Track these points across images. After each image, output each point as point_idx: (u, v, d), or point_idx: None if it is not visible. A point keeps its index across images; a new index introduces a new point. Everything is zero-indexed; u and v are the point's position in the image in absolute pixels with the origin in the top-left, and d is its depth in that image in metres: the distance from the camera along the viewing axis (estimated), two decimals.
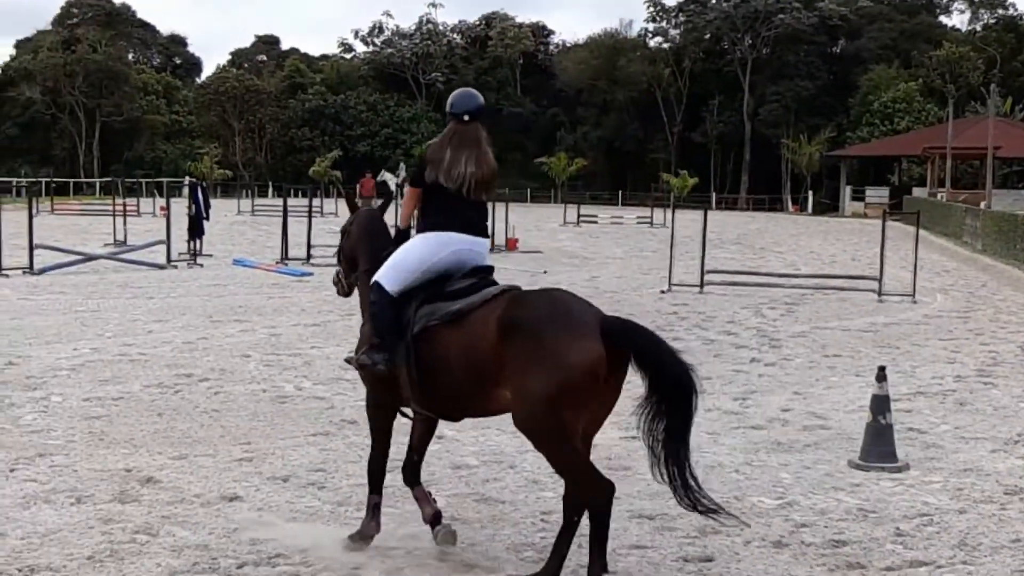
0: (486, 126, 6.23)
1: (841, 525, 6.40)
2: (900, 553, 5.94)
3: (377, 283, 5.78)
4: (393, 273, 5.80)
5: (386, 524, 6.18)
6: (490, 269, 5.95)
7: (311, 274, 21.14)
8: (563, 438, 5.16)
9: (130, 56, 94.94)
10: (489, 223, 6.13)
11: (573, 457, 5.24)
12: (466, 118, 6.17)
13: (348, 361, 6.13)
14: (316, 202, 41.14)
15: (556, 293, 5.50)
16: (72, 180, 73.02)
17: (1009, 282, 23.52)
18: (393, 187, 55.04)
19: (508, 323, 5.23)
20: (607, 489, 5.27)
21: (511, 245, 29.52)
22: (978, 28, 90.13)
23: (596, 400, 5.24)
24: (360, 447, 7.95)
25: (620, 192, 78.81)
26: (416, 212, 6.19)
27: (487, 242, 6.07)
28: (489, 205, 6.23)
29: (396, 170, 55.00)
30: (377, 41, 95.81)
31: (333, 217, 46.33)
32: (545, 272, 23.09)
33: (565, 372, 5.03)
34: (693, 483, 5.31)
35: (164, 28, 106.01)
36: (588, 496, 5.25)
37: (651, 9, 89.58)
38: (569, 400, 5.07)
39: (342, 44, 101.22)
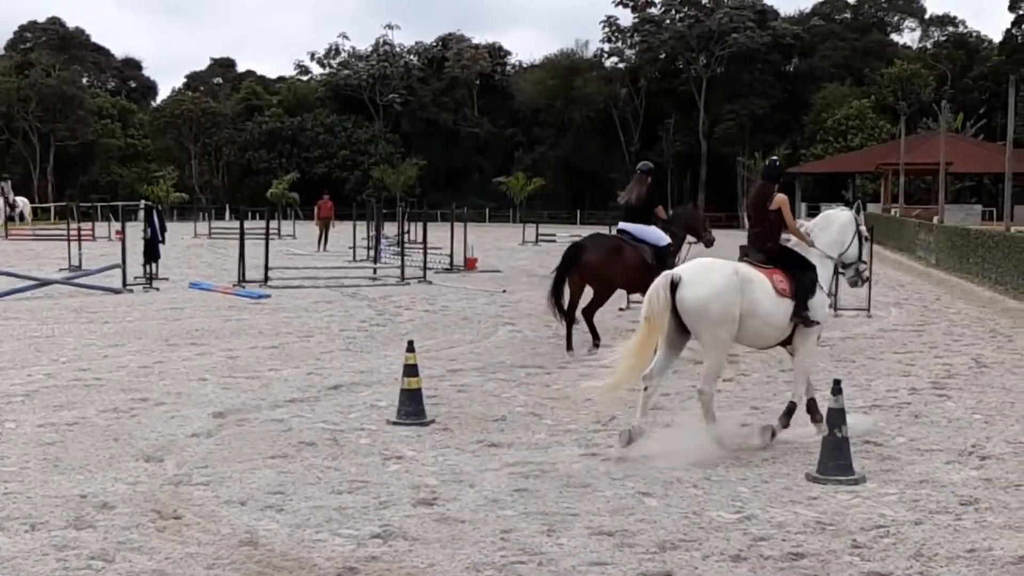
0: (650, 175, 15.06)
1: (799, 538, 6.44)
2: (857, 565, 5.98)
3: None
4: None
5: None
6: (627, 233, 14.60)
7: (268, 296, 21.03)
8: None
9: (84, 80, 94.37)
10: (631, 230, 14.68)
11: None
12: (638, 173, 15.07)
13: None
14: (273, 224, 41.03)
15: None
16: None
17: (962, 295, 23.81)
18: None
19: None
20: None
21: (470, 265, 29.54)
22: (929, 46, 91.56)
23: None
24: (318, 469, 7.91)
25: (578, 211, 79.17)
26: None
27: (636, 225, 14.60)
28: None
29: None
30: (334, 63, 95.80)
31: (291, 239, 46.18)
32: (505, 291, 23.12)
33: None
34: None
35: (119, 52, 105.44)
36: None
37: (606, 29, 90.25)
38: None
39: (298, 66, 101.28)
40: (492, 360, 13.43)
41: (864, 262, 9.84)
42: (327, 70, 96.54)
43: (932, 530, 6.62)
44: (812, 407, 9.07)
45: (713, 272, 8.64)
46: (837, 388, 7.73)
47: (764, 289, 8.73)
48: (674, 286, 8.51)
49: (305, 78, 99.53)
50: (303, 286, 23.58)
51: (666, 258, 14.40)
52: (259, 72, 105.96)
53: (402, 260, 26.18)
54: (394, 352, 13.18)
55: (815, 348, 9.26)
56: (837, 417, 7.68)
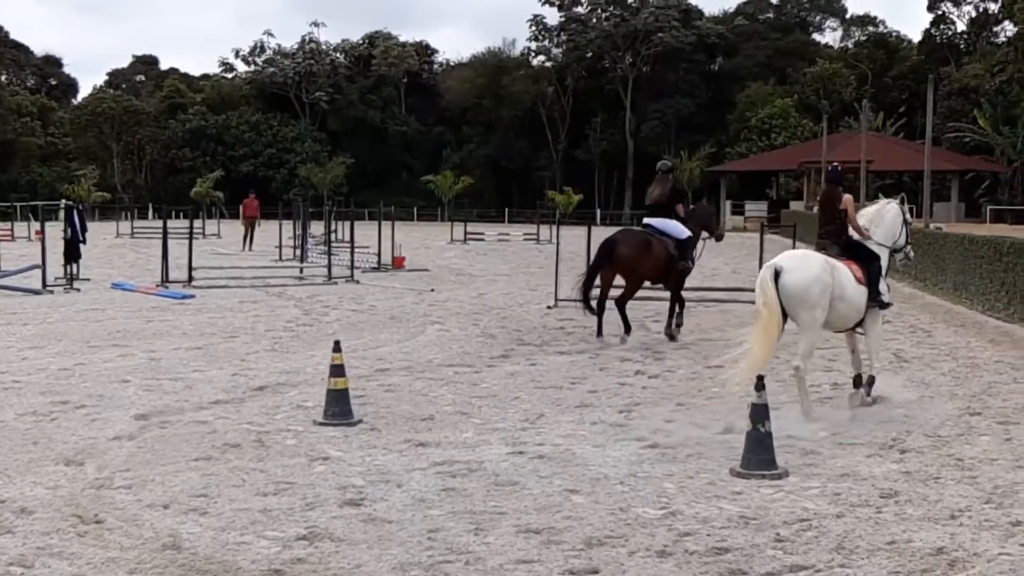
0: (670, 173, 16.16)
1: (723, 533, 6.50)
2: (780, 558, 6.06)
3: None
4: None
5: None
6: (651, 227, 15.59)
7: (192, 296, 20.78)
8: None
9: (3, 78, 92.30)
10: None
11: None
12: (659, 173, 16.00)
13: None
14: (197, 223, 40.54)
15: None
16: None
17: None
18: None
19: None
20: None
21: (398, 263, 29.42)
22: (850, 45, 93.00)
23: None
24: (243, 471, 7.83)
25: (506, 209, 79.19)
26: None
27: (660, 219, 15.55)
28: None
29: None
30: (259, 60, 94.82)
31: (215, 239, 45.67)
32: (433, 290, 23.07)
33: None
34: None
35: (38, 49, 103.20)
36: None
37: (533, 28, 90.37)
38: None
39: (223, 63, 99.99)
40: (420, 359, 13.40)
41: (910, 244, 11.28)
42: (252, 68, 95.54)
43: (853, 523, 6.72)
44: (870, 380, 10.64)
45: (810, 261, 10.09)
46: (760, 384, 7.82)
47: (847, 277, 10.16)
48: (776, 274, 9.77)
49: (230, 76, 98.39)
50: (228, 286, 23.33)
51: (687, 250, 15.73)
52: (182, 69, 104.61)
53: (329, 259, 26.00)
54: (321, 352, 13.10)
55: (882, 327, 11.05)
56: (760, 413, 7.77)
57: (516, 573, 5.82)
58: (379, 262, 28.98)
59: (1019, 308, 17.53)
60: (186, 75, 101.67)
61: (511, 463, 8.14)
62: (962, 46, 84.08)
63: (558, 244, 22.06)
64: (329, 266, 25.62)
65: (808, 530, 6.57)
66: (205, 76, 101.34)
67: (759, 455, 7.77)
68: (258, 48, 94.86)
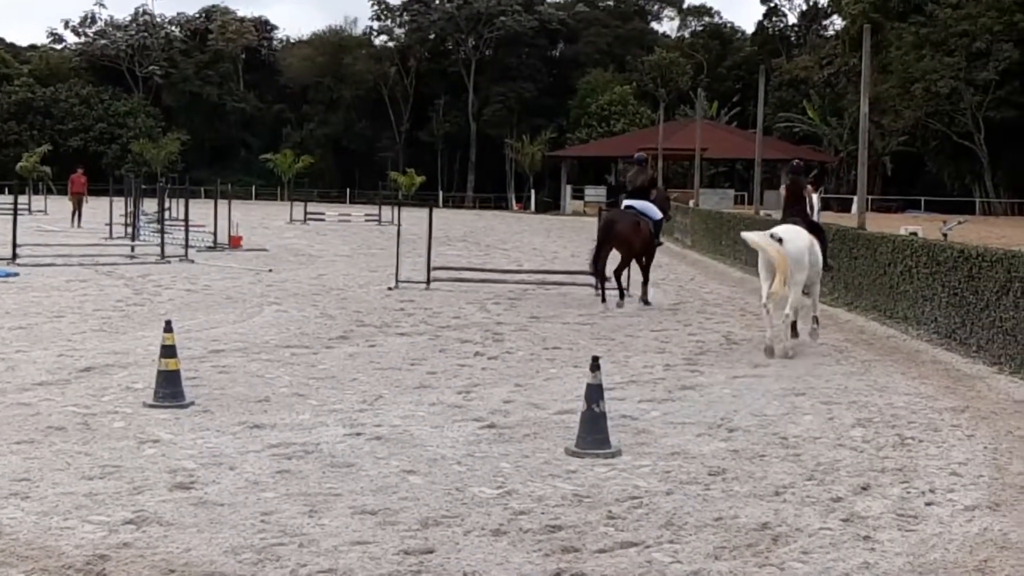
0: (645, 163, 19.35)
1: (557, 511, 6.59)
2: (612, 535, 6.17)
3: None
4: None
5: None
6: (634, 208, 17.76)
7: (17, 274, 19.96)
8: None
9: None
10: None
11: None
12: (638, 164, 18.90)
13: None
14: (23, 199, 38.99)
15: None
16: None
17: (715, 275, 24.91)
18: None
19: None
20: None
21: (235, 243, 28.84)
22: (686, 35, 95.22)
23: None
24: (68, 454, 7.57)
25: (348, 190, 78.60)
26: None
27: (640, 201, 17.91)
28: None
29: None
30: (89, 32, 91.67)
31: (42, 215, 44.02)
32: (271, 270, 22.71)
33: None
34: None
35: None
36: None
37: (375, 7, 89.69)
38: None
39: (51, 34, 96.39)
40: (256, 340, 13.18)
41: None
42: (82, 39, 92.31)
43: (682, 500, 6.89)
44: (815, 320, 13.92)
45: (801, 233, 12.94)
46: (595, 365, 7.94)
47: (817, 247, 13.27)
48: (779, 241, 12.51)
49: (58, 47, 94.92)
50: (55, 264, 22.49)
51: (660, 229, 18.48)
52: (7, 39, 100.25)
53: (162, 238, 25.33)
54: (151, 332, 12.75)
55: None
56: (595, 393, 7.89)
57: (351, 554, 5.78)
58: (215, 241, 28.38)
59: (842, 293, 18.26)
60: (12, 45, 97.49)
61: (348, 444, 8.08)
62: (793, 38, 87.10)
63: (399, 226, 21.98)
64: (162, 244, 24.96)
65: (639, 507, 6.70)
66: (32, 47, 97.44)
67: (593, 434, 7.90)
68: (88, 19, 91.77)
